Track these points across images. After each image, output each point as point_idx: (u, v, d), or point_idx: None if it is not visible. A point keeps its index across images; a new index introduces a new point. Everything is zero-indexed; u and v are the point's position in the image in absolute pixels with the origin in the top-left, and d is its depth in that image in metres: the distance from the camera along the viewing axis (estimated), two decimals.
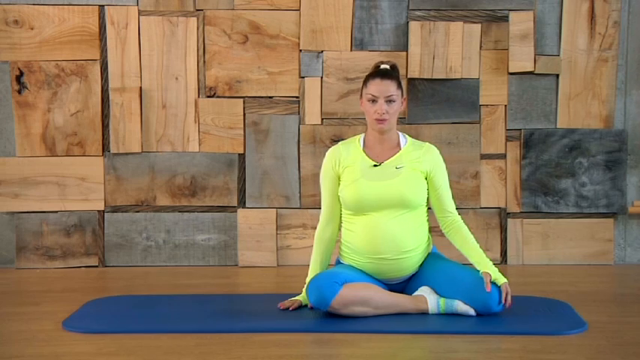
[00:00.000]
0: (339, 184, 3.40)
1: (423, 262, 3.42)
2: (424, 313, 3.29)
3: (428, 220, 3.44)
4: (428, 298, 3.31)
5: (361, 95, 3.39)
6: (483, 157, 4.41)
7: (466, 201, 4.40)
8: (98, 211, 4.40)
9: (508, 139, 4.41)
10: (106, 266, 4.41)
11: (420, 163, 3.37)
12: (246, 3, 4.34)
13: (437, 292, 3.34)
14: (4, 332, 3.18)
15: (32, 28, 4.31)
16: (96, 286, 4.04)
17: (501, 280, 3.28)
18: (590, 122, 4.41)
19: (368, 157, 3.38)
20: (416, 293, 3.36)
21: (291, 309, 3.37)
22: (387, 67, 3.39)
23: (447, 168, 3.43)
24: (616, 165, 4.41)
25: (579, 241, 4.43)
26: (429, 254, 3.45)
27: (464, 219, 3.44)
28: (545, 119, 4.41)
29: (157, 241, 4.42)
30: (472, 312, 3.27)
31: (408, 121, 4.36)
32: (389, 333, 3.09)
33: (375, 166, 3.35)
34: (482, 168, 4.41)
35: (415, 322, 3.22)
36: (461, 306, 3.28)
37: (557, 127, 4.41)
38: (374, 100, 3.31)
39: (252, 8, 4.34)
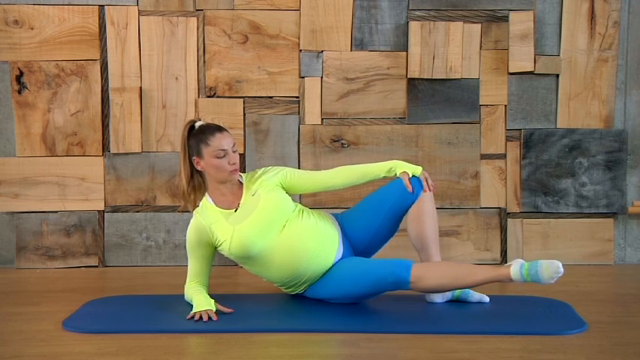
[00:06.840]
0: (212, 249, 3.46)
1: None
2: (506, 280, 3.17)
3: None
4: (513, 262, 3.18)
5: (199, 155, 3.40)
6: (483, 157, 4.41)
7: (466, 201, 4.40)
8: (98, 211, 4.40)
9: (508, 139, 4.41)
10: (106, 266, 4.41)
11: (268, 180, 3.46)
12: (246, 3, 4.34)
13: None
14: (4, 332, 3.18)
15: (32, 28, 4.31)
16: (96, 286, 4.03)
17: (417, 170, 3.42)
18: (590, 122, 4.41)
19: (225, 209, 3.43)
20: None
21: (205, 319, 3.22)
22: (203, 122, 3.46)
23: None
24: (616, 165, 4.41)
25: (579, 241, 4.43)
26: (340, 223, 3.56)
27: None
28: (545, 119, 4.41)
29: (157, 241, 4.42)
30: (561, 270, 3.12)
31: (408, 121, 4.36)
32: (389, 333, 3.09)
33: (235, 211, 3.42)
34: (483, 168, 4.41)
35: (415, 322, 3.22)
36: (544, 267, 3.12)
37: (557, 127, 4.41)
38: (224, 155, 3.37)
39: (252, 8, 4.34)
